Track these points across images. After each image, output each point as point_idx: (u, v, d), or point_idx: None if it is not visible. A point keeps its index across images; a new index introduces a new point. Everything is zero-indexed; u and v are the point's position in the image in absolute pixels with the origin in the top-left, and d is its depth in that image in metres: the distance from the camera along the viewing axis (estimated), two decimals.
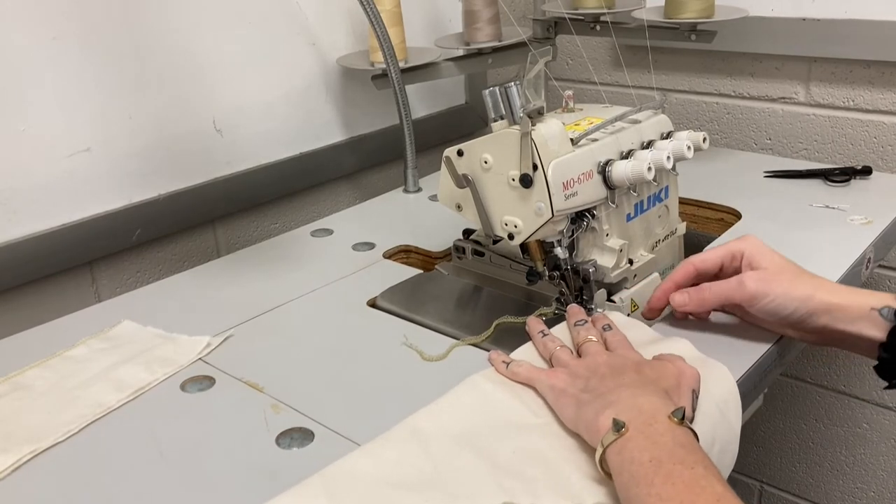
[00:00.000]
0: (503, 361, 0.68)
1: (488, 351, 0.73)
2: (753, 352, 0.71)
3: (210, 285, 0.91)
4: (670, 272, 0.77)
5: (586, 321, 0.71)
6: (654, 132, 0.81)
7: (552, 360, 0.68)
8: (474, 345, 0.75)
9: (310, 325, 0.81)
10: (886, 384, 0.66)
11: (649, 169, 0.73)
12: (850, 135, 1.23)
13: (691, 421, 0.57)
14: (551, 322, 0.75)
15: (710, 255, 0.74)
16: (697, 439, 0.54)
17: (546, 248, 0.79)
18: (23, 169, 0.91)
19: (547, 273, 0.79)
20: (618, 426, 0.53)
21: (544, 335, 0.71)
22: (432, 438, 0.60)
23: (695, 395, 0.59)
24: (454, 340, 0.75)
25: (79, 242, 0.96)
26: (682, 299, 0.73)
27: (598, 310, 0.77)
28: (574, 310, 0.74)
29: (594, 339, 0.68)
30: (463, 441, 0.60)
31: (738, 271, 0.73)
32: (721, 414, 0.62)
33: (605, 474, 0.54)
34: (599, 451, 0.54)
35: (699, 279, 0.75)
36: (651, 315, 0.77)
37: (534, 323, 0.74)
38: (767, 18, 1.22)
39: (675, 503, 0.48)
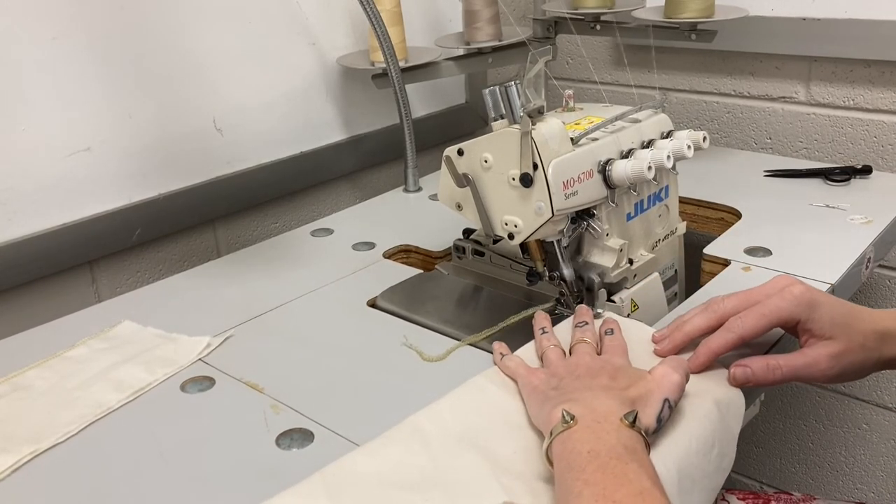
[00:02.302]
0: (501, 353, 0.70)
1: (489, 351, 0.73)
2: (753, 353, 0.71)
3: (210, 285, 0.90)
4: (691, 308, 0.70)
5: (587, 323, 0.71)
6: (654, 131, 0.81)
7: (542, 359, 0.68)
8: (474, 345, 0.75)
9: (310, 325, 0.81)
10: None
11: (649, 168, 0.73)
12: (850, 134, 1.23)
13: (654, 430, 0.56)
14: (555, 320, 0.75)
15: (757, 324, 0.65)
16: (648, 446, 0.54)
17: (546, 247, 0.79)
18: (23, 169, 0.90)
19: (547, 273, 0.79)
20: (566, 418, 0.54)
21: (544, 332, 0.71)
22: (433, 438, 0.60)
23: (668, 404, 0.57)
24: (454, 341, 0.75)
25: (79, 242, 0.96)
26: (745, 374, 0.65)
27: (599, 310, 0.76)
28: (581, 310, 0.74)
29: (588, 340, 0.68)
30: (464, 440, 0.60)
31: (792, 329, 0.67)
32: (721, 415, 0.62)
33: (550, 464, 0.54)
34: (547, 441, 0.55)
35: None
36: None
37: (540, 318, 0.74)
38: (767, 18, 1.22)
39: (599, 488, 0.49)
